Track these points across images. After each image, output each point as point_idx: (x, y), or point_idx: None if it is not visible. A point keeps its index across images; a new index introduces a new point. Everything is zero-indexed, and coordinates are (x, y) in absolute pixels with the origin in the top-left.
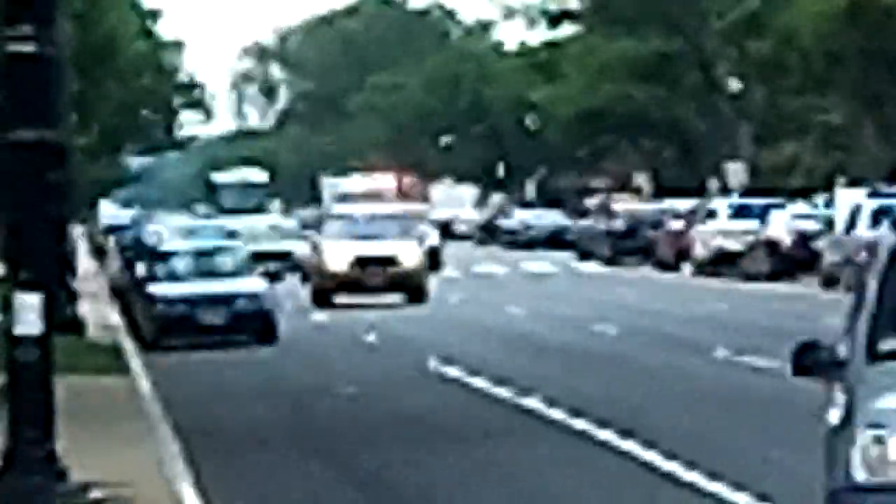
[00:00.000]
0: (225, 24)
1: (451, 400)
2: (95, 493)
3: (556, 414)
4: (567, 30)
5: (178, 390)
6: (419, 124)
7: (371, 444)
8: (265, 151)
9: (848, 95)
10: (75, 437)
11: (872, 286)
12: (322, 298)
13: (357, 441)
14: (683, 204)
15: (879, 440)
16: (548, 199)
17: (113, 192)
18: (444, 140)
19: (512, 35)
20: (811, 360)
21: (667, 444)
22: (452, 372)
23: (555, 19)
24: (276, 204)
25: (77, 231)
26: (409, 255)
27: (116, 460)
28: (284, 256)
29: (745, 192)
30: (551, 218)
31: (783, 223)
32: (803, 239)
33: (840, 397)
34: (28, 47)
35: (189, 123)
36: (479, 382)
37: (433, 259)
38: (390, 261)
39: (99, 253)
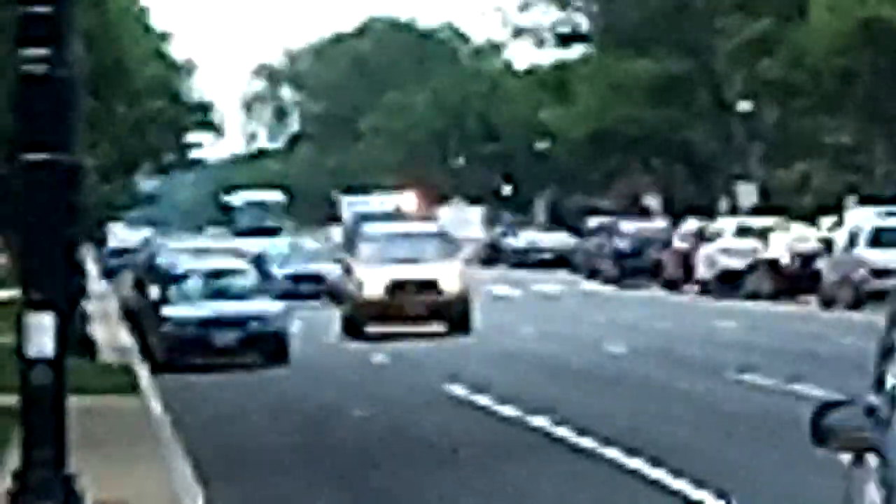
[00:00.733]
0: (235, 45)
1: (464, 421)
2: None
3: (567, 433)
4: (577, 50)
5: (190, 412)
6: (429, 145)
7: (383, 465)
8: (276, 172)
9: (859, 115)
10: (87, 459)
11: None
12: (354, 328)
13: (368, 462)
14: (691, 224)
15: None
16: (554, 220)
17: (124, 213)
18: (455, 162)
19: (522, 55)
20: (836, 427)
21: (676, 463)
22: (464, 393)
23: (565, 40)
24: (287, 224)
25: (89, 252)
26: (452, 279)
27: (129, 482)
28: (316, 279)
29: (754, 212)
30: (557, 238)
31: (784, 243)
32: (804, 259)
33: (880, 472)
34: (41, 69)
35: (200, 145)
36: (492, 404)
37: None
38: (431, 285)
39: (110, 275)
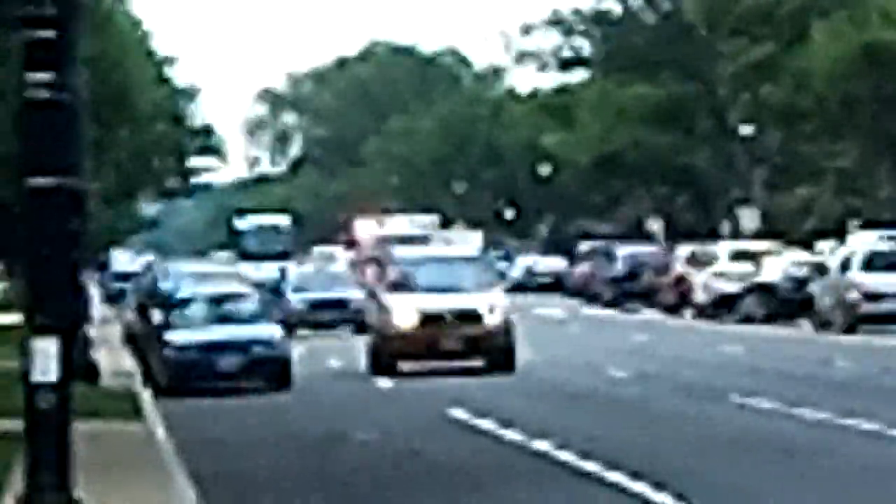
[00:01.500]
0: (238, 70)
1: (468, 445)
2: None
3: (570, 457)
4: (580, 75)
5: (193, 436)
6: (432, 169)
7: (387, 489)
8: (279, 197)
9: (862, 140)
10: (91, 484)
11: None
12: (384, 365)
13: (372, 487)
14: (686, 249)
15: None
16: (555, 244)
17: (127, 238)
18: (458, 187)
19: (525, 80)
20: None
21: (679, 487)
22: (466, 417)
23: (567, 64)
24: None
25: (91, 277)
26: (493, 311)
27: None
28: (339, 305)
29: (756, 236)
30: (553, 263)
31: (777, 268)
32: (797, 283)
33: None
34: (47, 94)
35: (203, 170)
36: (495, 428)
37: None
38: (470, 317)
39: (112, 299)
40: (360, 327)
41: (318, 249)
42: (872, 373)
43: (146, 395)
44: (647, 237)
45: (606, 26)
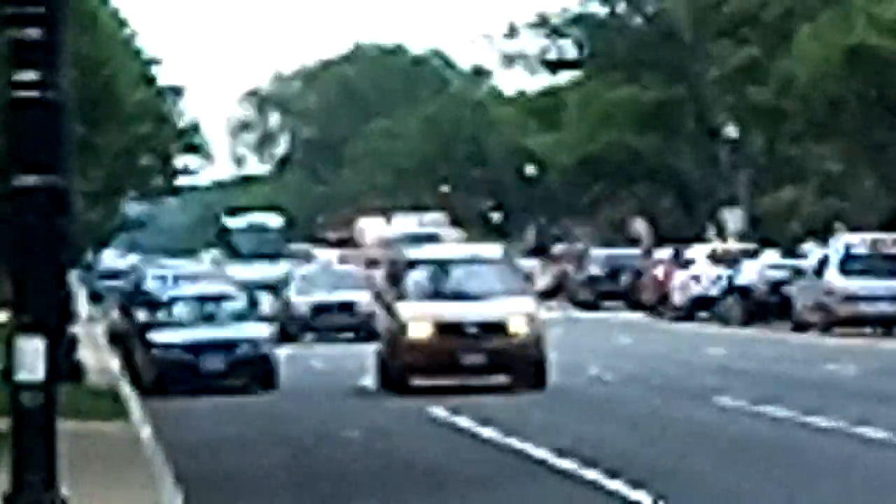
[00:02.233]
0: (224, 70)
1: (448, 445)
2: None
3: (548, 455)
4: (565, 77)
5: (178, 436)
6: (418, 171)
7: (372, 489)
8: (264, 197)
9: (847, 142)
10: (76, 483)
11: None
12: (395, 381)
13: (359, 487)
14: (666, 251)
15: None
16: (538, 246)
17: (112, 238)
18: (443, 188)
19: (511, 82)
20: None
21: (659, 486)
22: (446, 415)
23: (553, 66)
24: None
25: (77, 277)
26: (522, 320)
27: None
28: (346, 309)
29: (741, 238)
30: (527, 265)
31: (755, 270)
32: (773, 285)
33: None
34: (33, 93)
35: (190, 170)
36: (473, 426)
37: None
38: (496, 328)
39: (96, 298)
40: (371, 334)
41: (293, 247)
42: (856, 375)
43: (131, 395)
44: (632, 239)
45: (591, 28)
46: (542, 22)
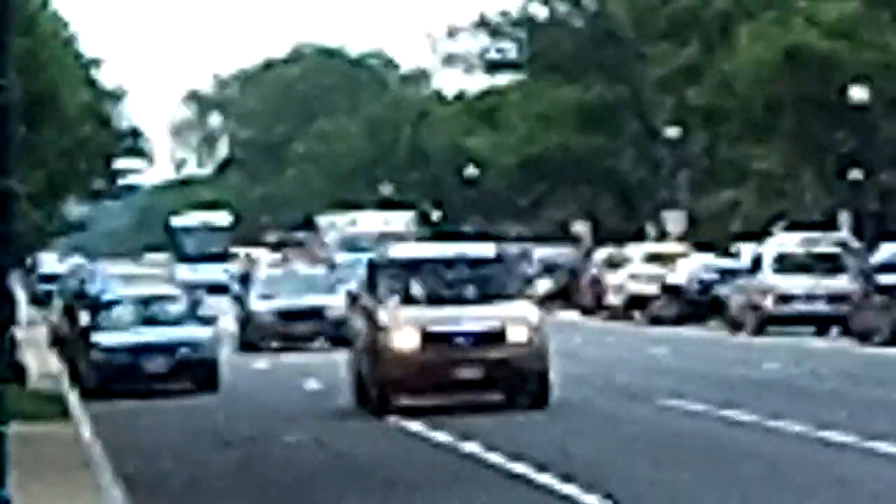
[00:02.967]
0: (165, 72)
1: (396, 446)
2: None
3: (499, 459)
4: (507, 77)
5: (121, 438)
6: (358, 171)
7: (315, 491)
8: (205, 199)
9: (787, 142)
10: (19, 484)
11: None
12: (376, 399)
13: (301, 488)
14: (603, 252)
15: None
16: None
17: (54, 240)
18: (384, 189)
19: (451, 82)
20: None
21: (609, 488)
22: (394, 419)
23: (494, 67)
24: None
25: (18, 279)
26: (522, 327)
27: None
28: (314, 316)
29: (681, 238)
30: None
31: (686, 270)
32: (704, 285)
33: None
34: None
35: (132, 171)
36: (423, 429)
37: None
38: (493, 337)
39: (38, 301)
40: (339, 340)
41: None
42: (793, 374)
43: (74, 397)
44: (573, 239)
45: (533, 29)
46: (483, 23)
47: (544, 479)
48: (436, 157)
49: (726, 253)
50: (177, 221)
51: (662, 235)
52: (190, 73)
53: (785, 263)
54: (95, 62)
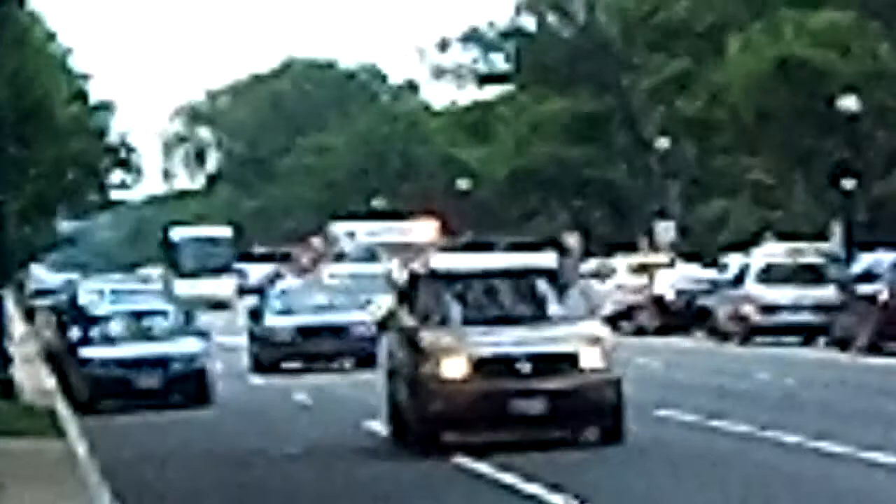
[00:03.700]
0: (155, 85)
1: (386, 458)
2: None
3: (488, 469)
4: (497, 89)
5: (115, 454)
6: (350, 184)
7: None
8: (196, 213)
9: (777, 153)
10: (11, 500)
11: None
12: (423, 435)
13: (294, 502)
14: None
15: None
16: None
17: (44, 255)
18: (375, 202)
19: (441, 95)
20: None
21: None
22: (382, 429)
23: (484, 79)
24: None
25: (9, 294)
26: (595, 351)
27: None
28: (335, 332)
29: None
30: None
31: (669, 281)
32: (688, 296)
33: None
34: None
35: (123, 185)
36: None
37: None
38: (561, 360)
39: (30, 317)
40: (363, 360)
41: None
42: (785, 384)
43: (65, 412)
44: (564, 251)
45: (522, 41)
46: (473, 35)
47: (533, 489)
48: (427, 170)
49: (714, 263)
50: (176, 234)
51: (653, 246)
52: (181, 86)
53: (771, 274)
54: (86, 76)
